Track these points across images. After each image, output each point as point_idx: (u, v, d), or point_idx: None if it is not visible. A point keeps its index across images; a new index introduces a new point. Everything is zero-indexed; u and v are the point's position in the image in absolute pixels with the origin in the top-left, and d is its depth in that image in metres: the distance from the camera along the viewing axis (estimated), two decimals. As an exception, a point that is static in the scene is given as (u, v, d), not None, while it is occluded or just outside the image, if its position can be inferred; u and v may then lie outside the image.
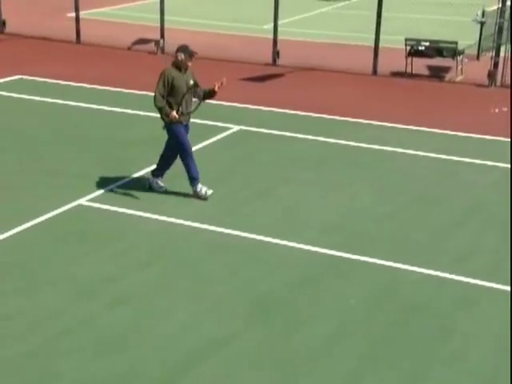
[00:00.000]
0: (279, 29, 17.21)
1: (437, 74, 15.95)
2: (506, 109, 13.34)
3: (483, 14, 16.52)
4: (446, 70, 16.01)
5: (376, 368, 6.03)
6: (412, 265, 7.67)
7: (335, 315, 6.77)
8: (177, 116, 8.86)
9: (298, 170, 10.26)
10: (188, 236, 8.30)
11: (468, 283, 7.35)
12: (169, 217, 8.67)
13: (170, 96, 8.90)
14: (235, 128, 11.99)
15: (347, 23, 21.76)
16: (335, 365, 6.05)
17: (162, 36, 17.96)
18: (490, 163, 10.64)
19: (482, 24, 16.46)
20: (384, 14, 16.06)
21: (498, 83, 14.95)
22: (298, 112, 13.02)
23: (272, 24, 17.08)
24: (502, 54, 14.94)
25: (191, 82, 9.04)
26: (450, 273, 7.50)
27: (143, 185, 9.54)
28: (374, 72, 15.99)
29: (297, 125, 12.29)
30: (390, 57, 15.97)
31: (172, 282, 7.31)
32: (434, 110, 13.44)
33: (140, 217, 8.69)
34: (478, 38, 16.87)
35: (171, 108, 8.89)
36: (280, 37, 17.14)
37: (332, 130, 12.05)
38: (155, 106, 8.94)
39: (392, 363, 6.09)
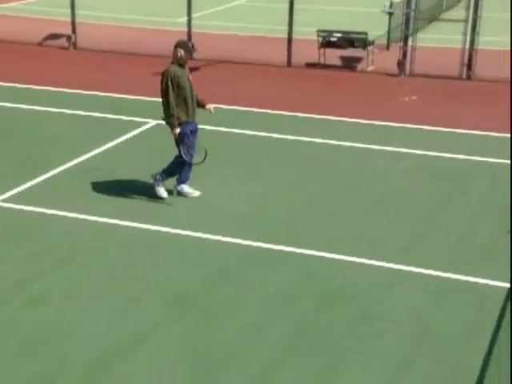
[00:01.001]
0: (194, 22, 17.21)
1: (349, 64, 16.29)
2: (415, 97, 13.77)
3: (391, 5, 16.95)
4: (358, 60, 16.36)
5: (297, 355, 6.15)
6: (329, 252, 7.84)
7: (255, 306, 6.87)
8: (177, 133, 8.67)
9: (214, 163, 10.30)
10: (107, 233, 8.23)
11: (384, 267, 7.58)
12: (88, 215, 8.57)
13: (178, 96, 8.63)
14: (152, 123, 11.93)
15: (261, 16, 21.91)
16: (256, 355, 6.15)
17: (74, 31, 17.63)
18: (403, 150, 10.95)
19: (391, 15, 16.90)
20: (297, 5, 16.28)
21: (408, 72, 15.40)
22: (215, 105, 13.03)
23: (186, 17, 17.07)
24: (410, 43, 15.39)
25: (190, 77, 8.88)
26: (367, 258, 7.72)
27: (58, 183, 9.40)
28: (289, 64, 16.20)
29: (213, 117, 12.30)
30: (304, 48, 16.18)
31: (90, 280, 7.25)
32: (348, 100, 13.74)
33: (56, 216, 8.56)
34: (387, 29, 17.31)
35: (180, 108, 8.67)
36: (195, 30, 17.14)
37: (247, 122, 12.15)
38: (166, 112, 8.64)
39: (313, 349, 6.23)
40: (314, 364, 6.03)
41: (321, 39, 16.14)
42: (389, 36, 17.37)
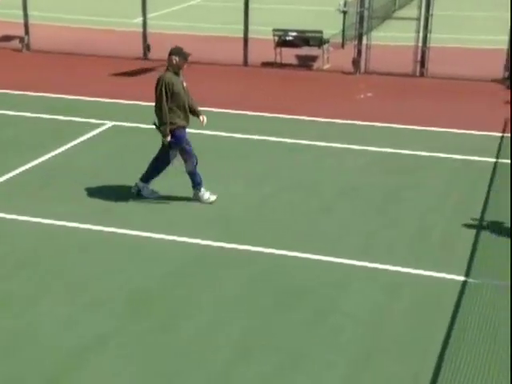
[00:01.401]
0: (150, 22, 17.16)
1: (305, 63, 16.42)
2: (370, 94, 13.94)
3: (345, 4, 17.14)
4: (314, 58, 16.50)
5: (255, 354, 6.19)
6: (287, 250, 7.91)
7: (214, 305, 6.90)
8: (168, 141, 8.64)
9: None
10: (64, 236, 8.18)
11: (341, 264, 7.67)
12: (46, 218, 8.51)
13: (172, 103, 8.57)
14: (108, 124, 11.88)
15: (217, 15, 21.92)
16: (215, 355, 6.16)
17: (27, 32, 17.43)
18: (359, 147, 11.08)
19: (345, 13, 17.08)
20: (252, 5, 16.36)
21: (363, 70, 15.59)
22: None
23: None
24: (364, 41, 15.58)
25: (185, 84, 8.81)
26: (324, 255, 7.81)
27: (15, 186, 9.29)
28: (245, 63, 16.26)
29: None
30: (260, 48, 16.27)
31: (49, 284, 7.19)
32: (305, 98, 13.85)
33: (15, 220, 8.48)
34: (341, 27, 17.49)
35: (175, 114, 8.62)
36: (151, 30, 17.09)
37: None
38: (159, 119, 8.58)
39: (271, 347, 6.27)
40: (274, 362, 6.08)
41: (276, 38, 16.25)
42: (343, 34, 17.57)
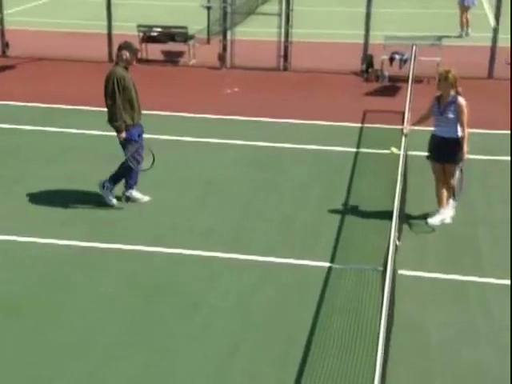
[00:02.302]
0: (8, 19, 16.55)
1: (171, 58, 16.37)
2: (236, 89, 14.11)
3: (209, 0, 17.24)
4: (180, 54, 16.49)
5: (126, 353, 6.18)
6: (157, 246, 7.90)
7: (83, 307, 6.81)
8: (123, 137, 8.43)
9: (36, 163, 10.05)
10: None
11: (210, 257, 7.75)
12: None
13: (124, 99, 8.31)
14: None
15: (79, 11, 21.41)
16: (87, 356, 6.10)
17: None
18: (226, 141, 11.17)
19: (209, 9, 17.18)
20: (115, 0, 16.15)
21: (229, 65, 15.74)
22: (33, 104, 12.68)
23: (-1, 14, 16.38)
24: (229, 37, 15.74)
25: (133, 80, 8.55)
26: (194, 249, 7.86)
27: None
28: (110, 59, 15.98)
29: (26, 116, 11.99)
30: (125, 43, 16.06)
31: None
32: (172, 94, 13.80)
33: None
34: (206, 23, 17.58)
35: (126, 109, 8.40)
36: (9, 27, 16.48)
37: (58, 120, 11.96)
38: (112, 115, 8.35)
39: (142, 345, 6.27)
40: (144, 360, 6.07)
41: (141, 34, 16.12)
42: (208, 30, 17.66)
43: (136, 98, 8.68)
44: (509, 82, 13.96)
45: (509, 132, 11.35)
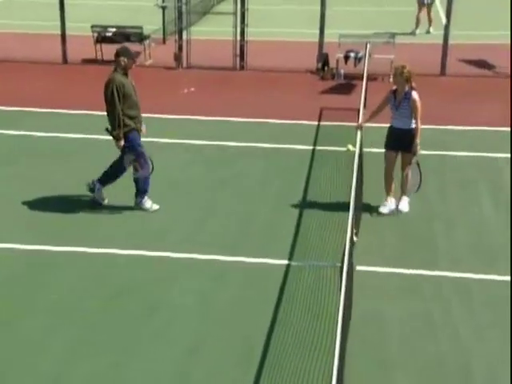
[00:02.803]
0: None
1: (127, 59, 16.23)
2: (193, 89, 14.07)
3: (163, -1, 17.16)
4: (136, 55, 16.32)
5: (85, 355, 6.13)
6: (114, 248, 7.85)
7: (41, 310, 6.74)
8: (121, 145, 8.30)
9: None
10: None
11: (168, 258, 7.72)
12: None
13: (124, 105, 8.15)
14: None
15: (31, 12, 21.10)
16: (45, 358, 6.05)
17: None
18: (182, 141, 11.14)
19: (164, 8, 17.09)
20: (67, 1, 15.94)
21: (185, 65, 15.69)
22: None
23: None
24: (185, 36, 15.68)
25: (134, 83, 8.36)
26: (150, 250, 7.82)
27: None
28: (65, 60, 15.83)
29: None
30: (80, 44, 15.90)
31: None
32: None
33: None
34: (162, 23, 17.48)
35: (127, 116, 8.25)
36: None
37: (19, 122, 11.78)
38: (112, 123, 8.21)
39: (100, 347, 6.23)
40: (103, 361, 6.04)
41: (96, 35, 15.96)
42: (164, 30, 17.57)
43: (138, 103, 8.56)
44: (461, 78, 14.23)
45: (461, 127, 11.58)
